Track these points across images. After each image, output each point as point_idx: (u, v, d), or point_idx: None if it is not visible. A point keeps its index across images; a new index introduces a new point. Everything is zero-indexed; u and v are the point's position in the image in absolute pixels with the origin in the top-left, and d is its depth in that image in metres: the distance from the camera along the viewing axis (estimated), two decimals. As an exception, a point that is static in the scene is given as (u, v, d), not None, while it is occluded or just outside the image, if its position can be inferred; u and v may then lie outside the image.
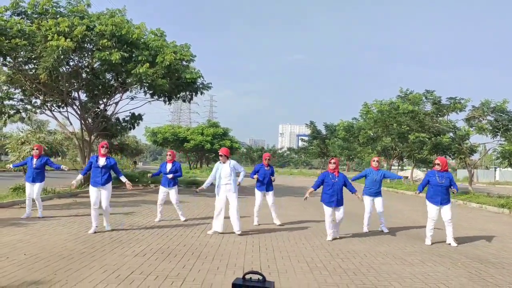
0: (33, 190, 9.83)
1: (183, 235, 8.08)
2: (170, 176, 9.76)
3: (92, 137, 19.44)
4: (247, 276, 2.56)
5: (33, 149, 10.04)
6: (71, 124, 20.12)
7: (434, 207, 8.10)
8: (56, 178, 18.00)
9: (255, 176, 9.72)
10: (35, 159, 9.88)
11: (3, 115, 18.27)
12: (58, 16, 14.86)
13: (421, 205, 15.91)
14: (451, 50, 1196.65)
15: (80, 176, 8.50)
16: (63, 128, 21.19)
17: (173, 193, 9.88)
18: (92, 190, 8.17)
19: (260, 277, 2.57)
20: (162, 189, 9.92)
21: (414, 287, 5.24)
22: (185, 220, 9.88)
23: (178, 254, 6.51)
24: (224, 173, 8.23)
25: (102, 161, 8.20)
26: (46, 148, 13.97)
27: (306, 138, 58.63)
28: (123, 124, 20.91)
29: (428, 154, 26.46)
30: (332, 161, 8.31)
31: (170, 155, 10.12)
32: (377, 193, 9.40)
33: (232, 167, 8.28)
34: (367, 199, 9.41)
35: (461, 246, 8.09)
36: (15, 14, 15.15)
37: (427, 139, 23.77)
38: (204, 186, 8.52)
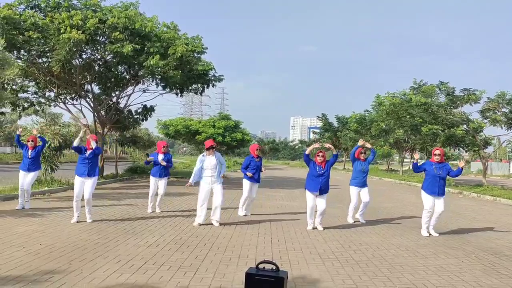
0: (26, 179, 9.84)
1: (196, 226, 8.13)
2: (164, 163, 9.70)
3: (105, 130, 19.61)
4: (261, 266, 2.57)
5: (28, 141, 10.11)
6: (84, 116, 20.32)
7: (430, 198, 8.08)
8: (71, 170, 18.19)
9: (249, 174, 9.56)
10: (30, 150, 9.97)
11: (18, 108, 18.52)
12: (70, 9, 14.96)
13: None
14: (466, 40, 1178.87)
15: (77, 140, 8.44)
16: (76, 121, 21.39)
17: (163, 183, 9.81)
18: (77, 180, 8.17)
19: (274, 267, 2.57)
20: (153, 180, 9.80)
21: (427, 279, 5.21)
22: (160, 212, 9.78)
23: (191, 245, 6.55)
24: (209, 165, 8.15)
25: (88, 153, 8.23)
26: (61, 140, 14.10)
27: (317, 131, 58.43)
28: (135, 116, 21.04)
29: (442, 147, 26.18)
30: (320, 154, 8.23)
31: (165, 147, 10.05)
32: (364, 184, 9.39)
33: (217, 158, 8.24)
34: (353, 190, 9.43)
35: (475, 238, 8.02)
36: (29, 7, 15.29)
37: (440, 131, 23.53)
38: (191, 181, 8.24)
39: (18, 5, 14.96)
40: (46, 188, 12.97)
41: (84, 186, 8.18)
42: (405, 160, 38.77)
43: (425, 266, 5.81)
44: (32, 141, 10.10)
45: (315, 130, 61.05)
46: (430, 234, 8.15)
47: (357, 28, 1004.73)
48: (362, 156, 9.48)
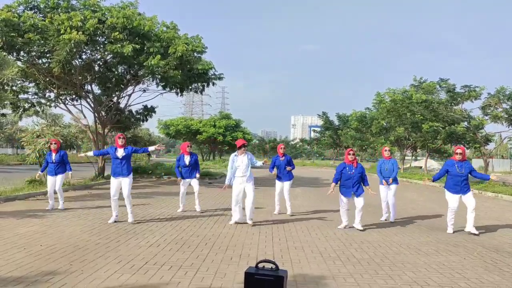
0: (55, 182, 10.00)
1: (196, 226, 8.13)
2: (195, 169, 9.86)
3: (106, 130, 19.61)
4: (260, 265, 2.56)
5: (51, 144, 10.23)
6: (85, 117, 20.35)
7: (454, 197, 8.07)
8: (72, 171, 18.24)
9: (274, 172, 9.85)
10: (54, 154, 10.05)
11: (18, 109, 18.54)
12: (70, 9, 14.95)
13: (436, 195, 15.75)
14: (468, 37, 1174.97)
15: (90, 153, 8.44)
16: (77, 121, 21.43)
17: (196, 183, 9.89)
18: (113, 181, 8.26)
19: (273, 266, 2.56)
20: (183, 182, 9.89)
21: (428, 277, 5.19)
22: (200, 212, 9.88)
23: (192, 245, 6.54)
24: (241, 164, 8.27)
25: (120, 152, 8.24)
26: (61, 141, 14.12)
27: (318, 129, 58.41)
28: (136, 116, 21.06)
29: (442, 144, 26.16)
30: (351, 152, 8.26)
31: (189, 147, 10.12)
32: (392, 182, 9.37)
33: (249, 158, 8.35)
34: (382, 189, 9.45)
35: (475, 236, 8.00)
36: (28, 9, 15.28)
37: (441, 129, 23.49)
38: (227, 182, 8.46)
39: (17, 6, 14.95)
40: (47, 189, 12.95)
41: (122, 185, 8.26)
42: (406, 157, 38.69)
43: (426, 264, 5.80)
44: (55, 143, 10.20)
45: (315, 128, 61.00)
46: (469, 233, 8.07)
47: (358, 26, 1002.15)
48: (386, 154, 9.50)
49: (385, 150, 9.63)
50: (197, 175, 9.91)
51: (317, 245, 6.77)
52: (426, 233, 8.09)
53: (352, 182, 8.05)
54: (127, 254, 5.86)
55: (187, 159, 9.83)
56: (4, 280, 4.59)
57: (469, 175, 8.15)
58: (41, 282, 4.54)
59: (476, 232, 8.01)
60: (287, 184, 9.90)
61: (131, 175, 8.38)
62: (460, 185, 8.01)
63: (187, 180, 9.89)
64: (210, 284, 4.65)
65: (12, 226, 7.63)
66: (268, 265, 2.59)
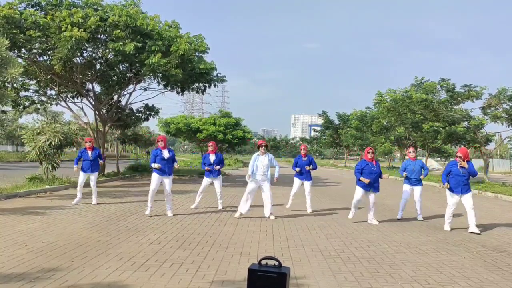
0: (87, 178, 10.49)
1: (197, 224, 8.15)
2: (217, 167, 10.16)
3: (106, 128, 19.62)
4: (263, 262, 2.58)
5: (86, 142, 10.66)
6: (85, 114, 20.40)
7: (454, 196, 8.30)
8: (72, 168, 18.22)
9: (297, 169, 10.18)
10: (89, 152, 10.47)
11: (19, 106, 18.54)
12: (71, 7, 14.95)
13: (435, 194, 15.78)
14: (469, 35, 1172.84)
15: (155, 165, 8.78)
16: (77, 119, 21.43)
17: (217, 182, 10.25)
18: (156, 177, 8.88)
19: (276, 263, 2.58)
20: (206, 180, 10.28)
21: (428, 275, 5.21)
22: (222, 208, 10.22)
23: (193, 243, 6.56)
24: (262, 163, 8.73)
25: (166, 153, 8.89)
26: (62, 138, 14.12)
27: (318, 128, 58.40)
28: (137, 114, 21.06)
29: (442, 144, 26.15)
30: (370, 151, 8.76)
31: (211, 146, 10.44)
32: (417, 182, 9.66)
33: (270, 159, 8.77)
34: (406, 187, 9.77)
35: (476, 235, 8.02)
36: (30, 6, 15.28)
37: (441, 128, 23.48)
38: (249, 173, 8.83)
39: (19, 4, 14.95)
40: (48, 186, 12.98)
41: (164, 183, 8.97)
42: (406, 157, 38.79)
43: (426, 263, 5.81)
44: (89, 141, 10.63)
45: (316, 127, 61.00)
46: (472, 232, 8.16)
47: (359, 24, 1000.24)
48: (411, 155, 9.82)
49: (409, 152, 9.97)
50: (217, 175, 10.24)
51: (317, 244, 6.79)
52: (426, 232, 8.12)
53: (373, 177, 8.54)
54: (128, 251, 5.88)
55: (211, 158, 10.25)
56: (6, 276, 4.61)
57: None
58: (43, 279, 4.56)
59: (478, 231, 8.09)
60: (308, 184, 10.17)
61: (172, 175, 9.14)
62: (461, 185, 8.19)
63: (210, 178, 10.25)
64: (211, 281, 4.67)
65: (13, 223, 7.64)
66: (271, 262, 2.61)
